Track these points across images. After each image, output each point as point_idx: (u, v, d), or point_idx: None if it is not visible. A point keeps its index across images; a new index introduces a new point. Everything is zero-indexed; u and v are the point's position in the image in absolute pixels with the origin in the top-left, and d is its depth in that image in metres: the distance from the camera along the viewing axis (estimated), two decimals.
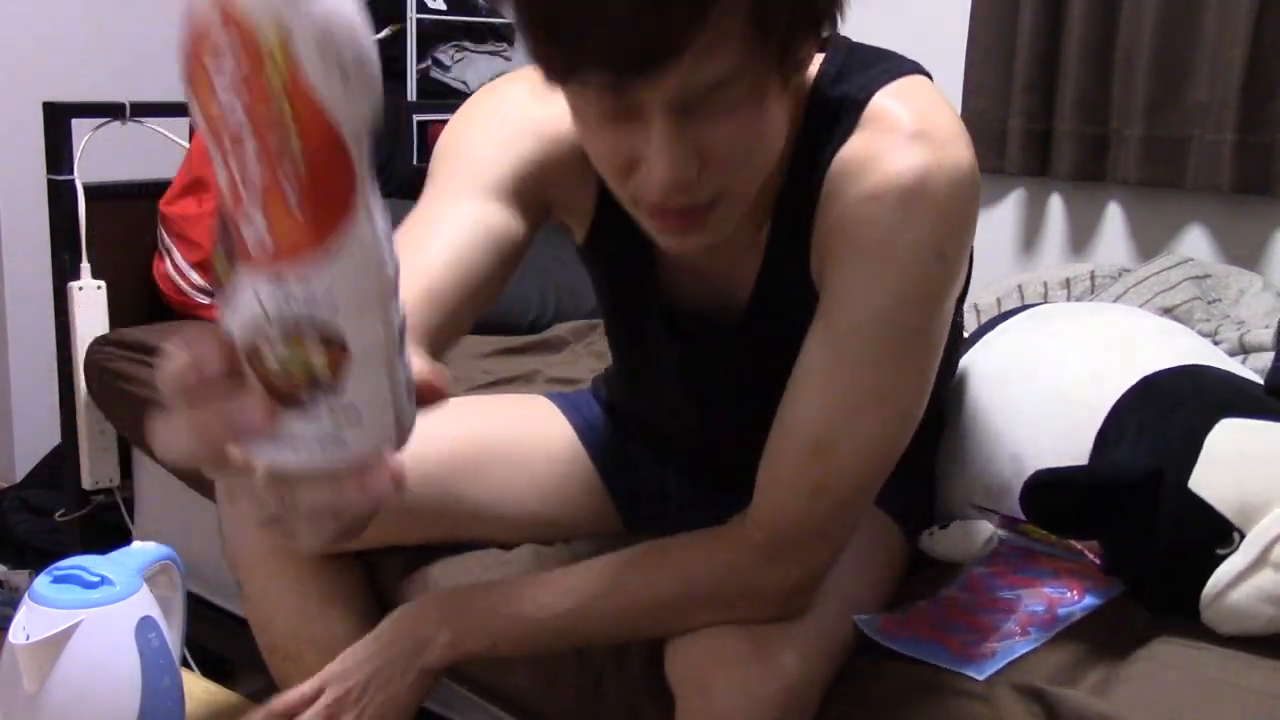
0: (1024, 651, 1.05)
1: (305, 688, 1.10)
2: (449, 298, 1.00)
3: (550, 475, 1.35)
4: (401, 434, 0.51)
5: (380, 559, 1.34)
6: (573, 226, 1.14)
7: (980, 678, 1.03)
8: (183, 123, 2.27)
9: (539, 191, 1.04)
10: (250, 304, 0.47)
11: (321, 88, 0.44)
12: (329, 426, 0.48)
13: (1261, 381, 1.19)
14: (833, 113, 0.97)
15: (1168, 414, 1.11)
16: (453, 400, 1.21)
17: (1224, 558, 1.03)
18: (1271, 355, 1.46)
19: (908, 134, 0.93)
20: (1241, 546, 1.03)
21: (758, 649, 1.00)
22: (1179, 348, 1.24)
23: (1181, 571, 1.06)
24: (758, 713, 0.97)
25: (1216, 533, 1.04)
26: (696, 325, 1.12)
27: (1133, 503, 1.06)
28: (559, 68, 0.84)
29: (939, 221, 0.91)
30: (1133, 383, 1.17)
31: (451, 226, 1.01)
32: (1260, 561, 1.02)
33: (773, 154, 0.92)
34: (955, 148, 0.93)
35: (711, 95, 0.83)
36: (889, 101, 0.96)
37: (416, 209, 1.02)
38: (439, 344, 1.10)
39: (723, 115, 0.85)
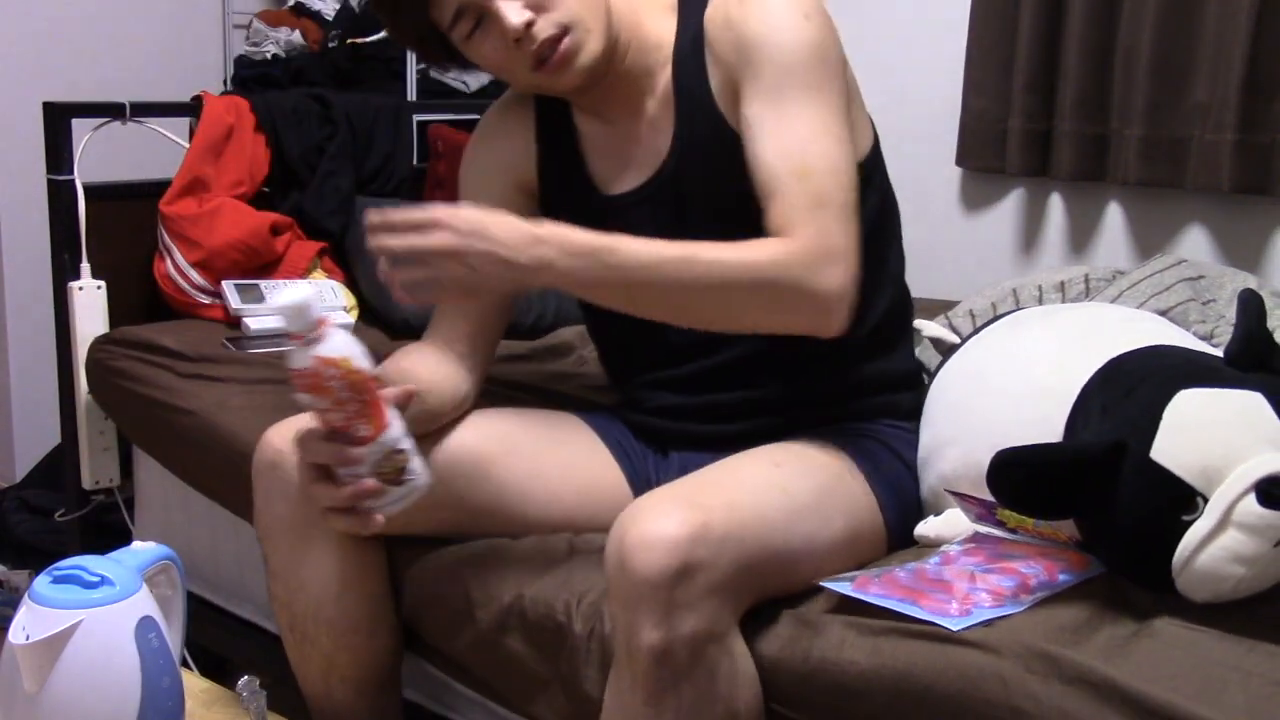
0: (997, 615, 1.07)
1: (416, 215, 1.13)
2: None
3: (575, 475, 1.39)
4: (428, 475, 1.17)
5: (395, 545, 1.37)
6: (529, 181, 1.43)
7: (955, 629, 1.05)
8: (182, 123, 2.27)
9: (503, 171, 1.42)
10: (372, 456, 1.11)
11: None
12: (407, 489, 1.14)
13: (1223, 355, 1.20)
14: None
15: (1129, 391, 1.13)
16: (479, 410, 1.44)
17: (1190, 524, 1.05)
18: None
19: None
20: (1206, 510, 1.05)
21: (678, 504, 1.08)
22: (1142, 331, 1.27)
23: (1151, 542, 1.08)
24: (660, 551, 1.03)
25: (1181, 499, 1.06)
26: (633, 202, 1.35)
27: (1098, 478, 1.08)
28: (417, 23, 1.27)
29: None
30: (1098, 367, 1.19)
31: None
32: (1224, 523, 1.04)
33: None
34: None
35: None
36: None
37: None
38: (477, 355, 1.41)
39: None
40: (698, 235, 1.24)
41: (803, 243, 1.16)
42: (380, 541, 1.35)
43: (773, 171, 1.19)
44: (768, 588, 1.14)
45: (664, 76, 1.33)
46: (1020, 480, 1.09)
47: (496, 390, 1.77)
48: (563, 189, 1.41)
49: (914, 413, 1.44)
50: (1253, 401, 1.09)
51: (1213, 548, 1.05)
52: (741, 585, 1.09)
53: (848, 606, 1.12)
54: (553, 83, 1.29)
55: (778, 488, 1.18)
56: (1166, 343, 1.23)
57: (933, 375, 1.47)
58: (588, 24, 1.25)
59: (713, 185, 1.31)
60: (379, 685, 1.38)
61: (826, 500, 1.22)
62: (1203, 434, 1.07)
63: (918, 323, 1.68)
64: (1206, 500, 1.05)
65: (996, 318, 1.50)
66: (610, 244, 1.13)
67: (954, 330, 1.86)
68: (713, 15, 1.29)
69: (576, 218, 1.34)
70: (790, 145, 1.20)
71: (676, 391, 1.41)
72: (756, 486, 1.16)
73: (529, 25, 1.22)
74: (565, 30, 1.24)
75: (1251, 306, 1.17)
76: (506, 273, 1.11)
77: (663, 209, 1.33)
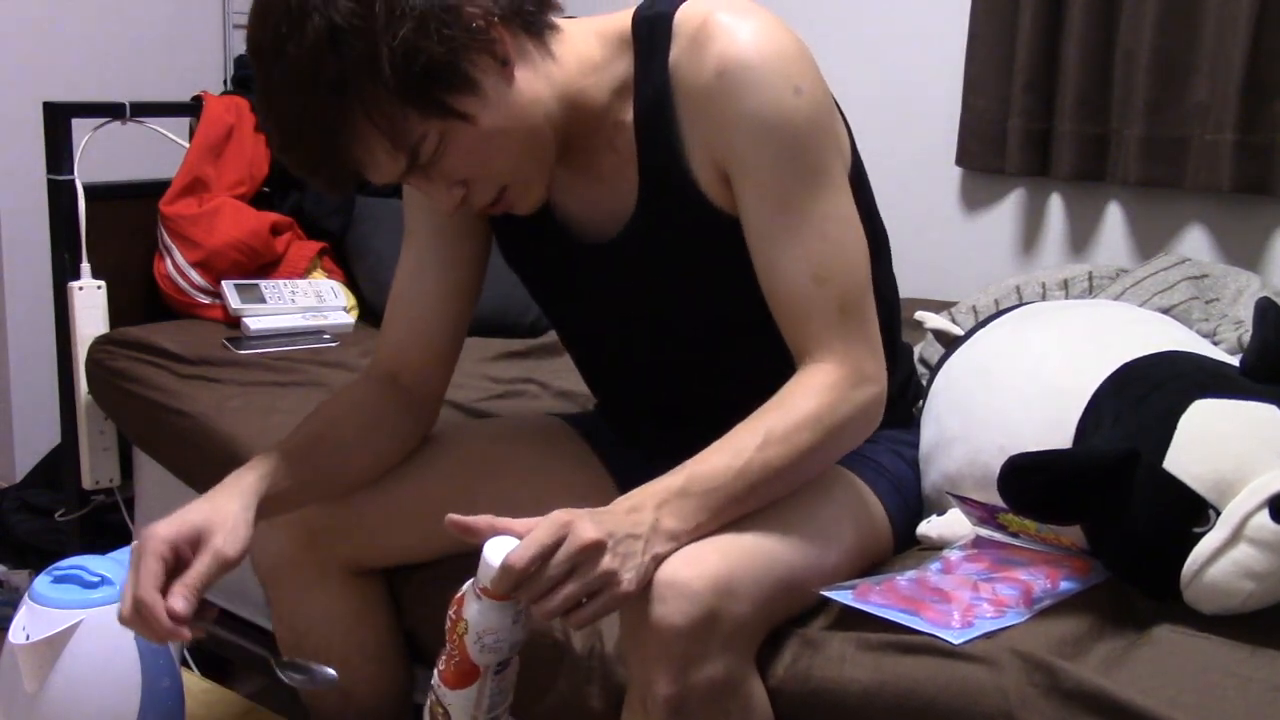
0: (999, 627, 1.06)
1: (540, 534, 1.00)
2: (435, 327, 1.31)
3: (566, 485, 1.37)
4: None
5: (395, 573, 1.36)
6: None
7: (956, 642, 1.04)
8: (182, 123, 2.28)
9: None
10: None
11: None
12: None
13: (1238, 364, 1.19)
14: (650, 32, 1.16)
15: (1143, 399, 1.12)
16: (470, 421, 1.43)
17: (1200, 536, 1.04)
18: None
19: (715, 24, 1.12)
20: (1217, 523, 1.04)
21: (696, 550, 1.03)
22: (1155, 335, 1.25)
23: (1160, 553, 1.07)
24: (680, 602, 0.99)
25: (1192, 511, 1.05)
26: (598, 250, 1.25)
27: (1109, 485, 1.07)
28: None
29: (779, 68, 1.09)
30: (1110, 371, 1.18)
31: (418, 268, 1.30)
32: (1235, 537, 1.03)
33: (522, 133, 1.10)
34: (756, 17, 1.12)
35: (420, 159, 1.06)
36: (692, 7, 1.15)
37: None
38: (445, 356, 1.34)
39: (441, 158, 1.07)
40: (672, 288, 1.23)
41: (838, 367, 1.10)
42: (383, 574, 1.35)
43: (791, 281, 1.12)
44: (781, 619, 1.12)
45: (624, 127, 1.19)
46: (1032, 486, 1.08)
47: (495, 389, 1.77)
48: (523, 224, 1.29)
49: (908, 418, 1.43)
50: (1269, 414, 1.08)
51: (1223, 561, 1.04)
52: (758, 627, 1.07)
53: (849, 620, 1.11)
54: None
55: (788, 517, 1.13)
56: (1173, 343, 1.22)
57: (935, 369, 1.46)
58: (526, 173, 1.14)
59: (681, 245, 1.21)
60: (394, 711, 1.38)
61: (837, 515, 1.19)
62: (1217, 446, 1.06)
63: (919, 314, 1.67)
64: (1218, 513, 1.04)
65: (1001, 312, 1.49)
66: (689, 474, 1.06)
67: (956, 325, 1.86)
68: (679, 70, 1.13)
69: (543, 257, 1.32)
70: (804, 249, 1.11)
71: (671, 428, 1.39)
72: (769, 522, 1.11)
73: (463, 200, 1.13)
74: (502, 190, 1.14)
75: (1269, 316, 1.15)
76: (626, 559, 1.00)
77: (632, 262, 1.25)
